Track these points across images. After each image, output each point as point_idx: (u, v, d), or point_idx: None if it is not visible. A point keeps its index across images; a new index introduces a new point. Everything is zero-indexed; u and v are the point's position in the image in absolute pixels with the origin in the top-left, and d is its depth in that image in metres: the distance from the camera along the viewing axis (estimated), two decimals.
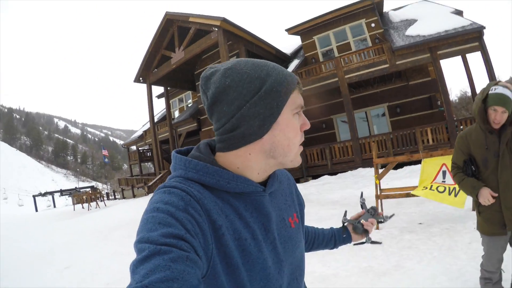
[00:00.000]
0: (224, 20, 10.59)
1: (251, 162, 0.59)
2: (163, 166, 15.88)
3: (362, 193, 1.07)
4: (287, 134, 0.59)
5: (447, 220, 4.01)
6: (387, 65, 9.87)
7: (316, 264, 3.23)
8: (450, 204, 3.65)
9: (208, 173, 0.56)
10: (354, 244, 0.99)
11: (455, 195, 3.60)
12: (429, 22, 10.00)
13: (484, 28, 8.59)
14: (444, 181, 3.82)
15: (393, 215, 1.02)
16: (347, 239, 0.96)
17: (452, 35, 8.89)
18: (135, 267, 0.43)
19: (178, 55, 12.79)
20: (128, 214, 9.60)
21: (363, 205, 1.02)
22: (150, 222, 0.47)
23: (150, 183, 14.72)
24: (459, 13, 10.84)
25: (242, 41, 11.68)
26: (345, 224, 0.98)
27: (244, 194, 0.59)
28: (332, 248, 0.97)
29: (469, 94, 20.57)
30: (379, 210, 1.02)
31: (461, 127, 9.40)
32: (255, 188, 0.60)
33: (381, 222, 0.99)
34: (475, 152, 1.80)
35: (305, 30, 12.93)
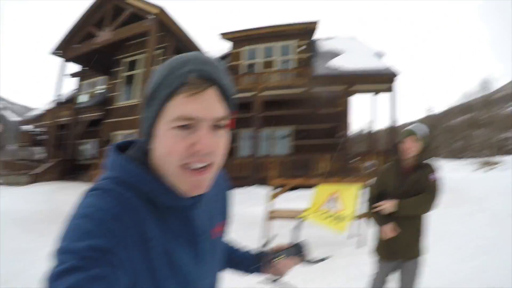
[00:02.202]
0: (163, 10, 10.21)
1: None
2: (56, 154, 13.75)
3: (300, 220, 0.89)
4: (160, 150, 0.51)
5: (328, 244, 4.25)
6: (303, 89, 10.25)
7: None
8: (333, 230, 3.91)
9: (144, 182, 0.51)
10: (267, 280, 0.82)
11: (338, 222, 3.88)
12: (351, 58, 10.80)
13: (396, 75, 9.56)
14: (331, 208, 4.12)
15: (328, 257, 0.85)
16: (260, 270, 0.82)
17: (367, 74, 9.76)
18: (54, 279, 0.39)
19: (105, 35, 11.73)
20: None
21: (293, 235, 0.84)
22: (76, 230, 0.44)
23: (36, 171, 12.47)
24: (381, 55, 11.81)
25: (173, 35, 11.28)
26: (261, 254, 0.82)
27: (174, 207, 0.55)
28: (244, 274, 0.84)
29: (365, 131, 21.37)
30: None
31: (355, 159, 10.25)
32: (184, 202, 0.55)
33: (309, 262, 0.82)
34: (387, 187, 2.11)
35: (238, 38, 12.88)
